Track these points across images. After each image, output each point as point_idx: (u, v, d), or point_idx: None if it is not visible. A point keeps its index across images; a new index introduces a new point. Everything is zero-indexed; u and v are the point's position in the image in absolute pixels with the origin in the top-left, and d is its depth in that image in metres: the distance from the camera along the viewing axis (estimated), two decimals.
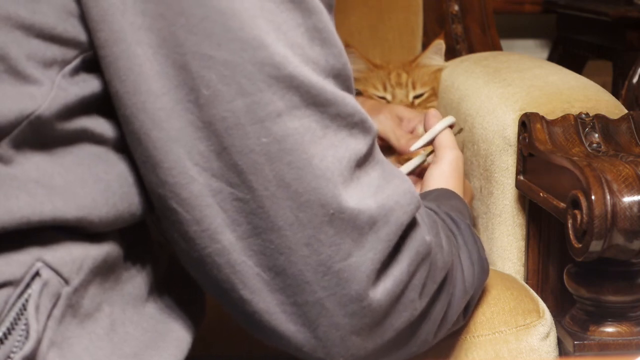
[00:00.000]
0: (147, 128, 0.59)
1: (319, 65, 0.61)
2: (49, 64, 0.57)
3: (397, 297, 0.66)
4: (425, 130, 1.07)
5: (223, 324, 0.94)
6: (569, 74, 1.24)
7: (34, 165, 0.58)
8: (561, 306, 1.07)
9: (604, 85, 1.23)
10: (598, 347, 0.95)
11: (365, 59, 1.46)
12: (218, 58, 0.58)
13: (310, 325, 0.64)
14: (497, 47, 1.68)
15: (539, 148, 1.02)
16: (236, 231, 0.61)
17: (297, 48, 0.60)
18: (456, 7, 1.68)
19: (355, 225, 0.62)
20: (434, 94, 1.45)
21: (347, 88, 0.64)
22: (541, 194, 1.01)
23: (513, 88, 1.17)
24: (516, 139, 1.10)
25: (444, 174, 0.96)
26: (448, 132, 1.03)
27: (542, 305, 1.00)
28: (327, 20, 0.62)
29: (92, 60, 0.60)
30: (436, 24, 1.67)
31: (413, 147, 1.06)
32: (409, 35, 1.57)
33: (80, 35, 0.58)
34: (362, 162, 0.63)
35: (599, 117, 1.04)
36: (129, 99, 0.59)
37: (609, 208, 0.86)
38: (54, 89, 0.58)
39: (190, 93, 0.58)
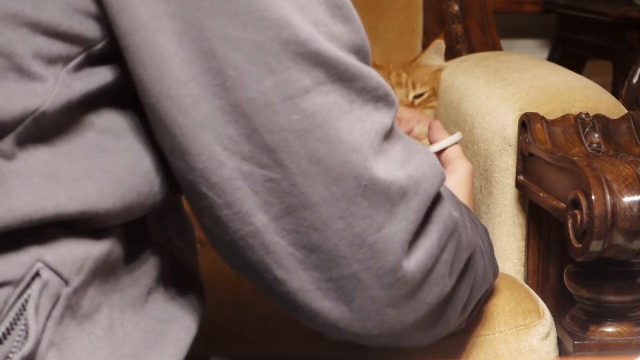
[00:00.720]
0: (173, 115, 0.59)
1: (342, 42, 0.62)
2: (53, 60, 0.58)
3: (429, 270, 0.66)
4: (430, 142, 1.07)
5: (223, 324, 0.94)
6: (569, 74, 1.24)
7: (38, 159, 0.58)
8: (561, 306, 1.07)
9: (604, 85, 1.23)
10: (598, 347, 0.95)
11: None
12: (244, 39, 0.58)
13: (346, 299, 0.64)
14: (497, 47, 1.68)
15: (539, 148, 1.02)
16: (269, 212, 0.61)
17: (320, 25, 0.60)
18: (456, 7, 1.68)
19: (387, 196, 0.63)
20: (434, 93, 1.45)
21: (367, 63, 0.64)
22: (541, 194, 1.01)
23: (513, 88, 1.17)
24: (516, 139, 1.10)
25: (460, 184, 0.96)
26: (458, 146, 1.03)
27: (542, 305, 1.00)
28: None
29: (98, 56, 0.60)
30: (436, 24, 1.67)
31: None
32: (409, 35, 1.57)
33: (86, 31, 0.59)
34: (388, 135, 0.64)
35: (599, 117, 1.04)
36: (153, 87, 0.59)
37: (609, 208, 0.86)
38: (58, 85, 0.58)
39: (217, 77, 0.58)
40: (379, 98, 0.63)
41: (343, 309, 0.65)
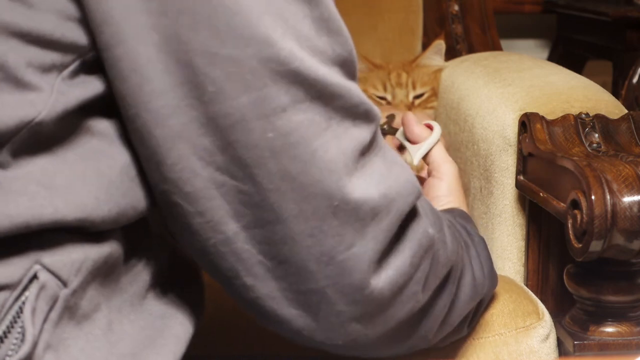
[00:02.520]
0: (150, 126, 0.59)
1: (326, 55, 0.61)
2: (48, 69, 0.57)
3: (400, 288, 0.66)
4: (406, 133, 1.02)
5: (223, 324, 0.94)
6: (569, 74, 1.24)
7: (35, 166, 0.58)
8: (561, 306, 1.07)
9: (604, 85, 1.23)
10: (598, 347, 0.95)
11: (365, 59, 1.46)
12: (223, 55, 0.58)
13: (310, 311, 0.65)
14: (497, 47, 1.68)
15: (539, 148, 1.01)
16: (240, 221, 0.61)
17: (304, 40, 0.60)
18: (456, 7, 1.68)
19: (358, 217, 0.63)
20: (434, 94, 1.44)
21: (352, 75, 0.64)
22: (541, 194, 1.01)
23: (513, 88, 1.17)
24: (516, 139, 1.10)
25: (452, 191, 0.96)
26: (440, 144, 1.01)
27: (542, 307, 1.00)
28: (333, 9, 0.62)
29: (91, 62, 0.59)
30: (436, 24, 1.67)
31: (416, 161, 1.01)
32: (409, 35, 1.57)
33: (80, 38, 0.58)
34: (366, 150, 0.64)
35: (599, 117, 1.04)
36: (132, 99, 0.59)
37: (609, 208, 0.86)
38: (54, 94, 0.58)
39: (194, 90, 0.58)
40: (358, 115, 0.63)
41: (308, 319, 0.65)
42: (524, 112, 1.08)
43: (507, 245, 1.12)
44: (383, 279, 0.65)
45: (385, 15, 1.63)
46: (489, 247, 1.15)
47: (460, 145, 1.27)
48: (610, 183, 0.87)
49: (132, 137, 0.61)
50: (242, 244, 0.62)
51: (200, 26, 0.57)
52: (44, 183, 0.57)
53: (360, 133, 0.63)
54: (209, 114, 0.59)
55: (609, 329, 0.96)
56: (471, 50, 1.64)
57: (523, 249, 1.11)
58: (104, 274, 0.61)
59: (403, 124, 1.03)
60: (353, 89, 0.63)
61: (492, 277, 0.86)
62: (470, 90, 1.28)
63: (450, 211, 0.92)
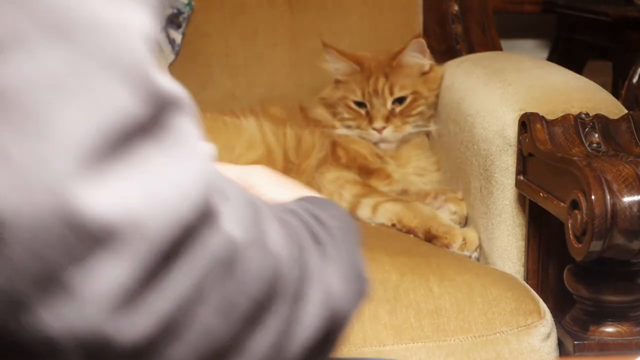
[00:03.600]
0: None
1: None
2: None
3: (173, 331, 0.41)
4: None
5: None
6: (569, 74, 1.24)
7: None
8: (561, 306, 1.07)
9: (604, 85, 1.23)
10: (598, 347, 0.96)
11: (345, 57, 1.42)
12: None
13: None
14: (497, 47, 1.68)
15: (539, 148, 1.02)
16: None
17: None
18: (456, 7, 1.68)
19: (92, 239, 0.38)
20: (420, 97, 1.41)
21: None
22: (541, 194, 1.01)
23: (513, 88, 1.17)
24: (516, 139, 1.10)
25: (273, 179, 0.65)
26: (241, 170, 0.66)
27: (543, 306, 1.00)
28: None
29: None
30: (436, 24, 1.67)
31: None
32: (409, 35, 1.57)
33: None
34: (133, 133, 0.39)
35: (599, 117, 1.04)
36: None
37: (609, 208, 0.86)
38: None
39: None
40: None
41: None
42: (524, 112, 1.08)
43: (507, 245, 1.12)
44: (136, 326, 0.39)
45: (385, 15, 1.63)
46: (489, 247, 1.15)
47: (460, 145, 1.27)
48: (610, 183, 0.87)
49: None
50: None
51: None
52: None
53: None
54: None
55: (609, 329, 0.96)
56: (471, 50, 1.64)
57: (523, 249, 1.11)
58: None
59: None
60: None
61: (358, 280, 0.54)
62: (470, 90, 1.28)
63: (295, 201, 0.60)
